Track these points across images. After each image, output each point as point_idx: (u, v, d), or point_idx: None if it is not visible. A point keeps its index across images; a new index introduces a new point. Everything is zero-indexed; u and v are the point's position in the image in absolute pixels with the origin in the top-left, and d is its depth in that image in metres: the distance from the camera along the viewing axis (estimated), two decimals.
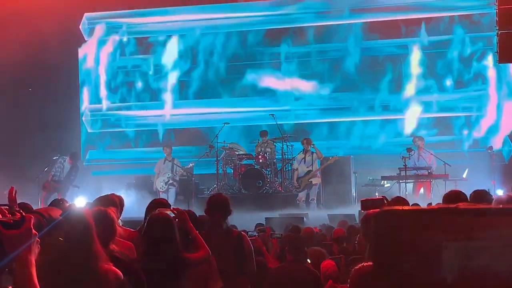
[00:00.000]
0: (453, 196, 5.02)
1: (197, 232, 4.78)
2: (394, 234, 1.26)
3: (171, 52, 18.31)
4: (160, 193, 15.58)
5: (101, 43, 18.83)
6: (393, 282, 1.25)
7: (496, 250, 1.23)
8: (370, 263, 2.87)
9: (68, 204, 4.49)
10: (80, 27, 18.81)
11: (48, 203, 7.09)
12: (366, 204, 4.33)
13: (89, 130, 18.82)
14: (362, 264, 3.32)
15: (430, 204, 8.08)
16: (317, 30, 17.57)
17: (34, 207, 4.92)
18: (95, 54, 18.79)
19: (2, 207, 1.98)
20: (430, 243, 1.23)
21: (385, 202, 4.31)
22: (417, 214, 1.30)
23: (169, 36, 18.41)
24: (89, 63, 18.89)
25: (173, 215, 4.66)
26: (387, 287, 1.26)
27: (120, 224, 5.18)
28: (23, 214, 1.95)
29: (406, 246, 1.24)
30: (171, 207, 5.20)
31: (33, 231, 1.92)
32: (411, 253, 1.24)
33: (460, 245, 1.23)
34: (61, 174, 15.65)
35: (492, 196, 5.58)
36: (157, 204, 5.24)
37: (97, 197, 5.34)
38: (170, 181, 15.92)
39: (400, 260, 1.24)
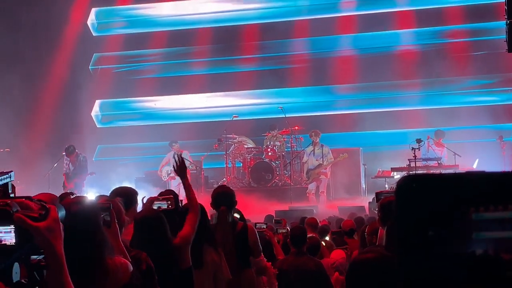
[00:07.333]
0: None
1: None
2: (418, 200, 1.17)
3: (180, 43, 18.27)
4: (162, 178, 15.84)
5: (109, 36, 18.85)
6: (417, 251, 1.17)
7: None
8: (369, 254, 2.78)
9: (74, 196, 4.44)
10: (88, 22, 18.82)
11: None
12: (380, 196, 4.35)
13: (98, 126, 18.83)
14: (361, 254, 3.19)
15: None
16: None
17: None
18: (103, 48, 18.79)
19: (25, 200, 1.89)
20: (457, 212, 1.15)
21: None
22: (444, 179, 1.20)
23: (179, 28, 18.37)
24: (97, 57, 18.90)
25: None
26: (409, 257, 1.18)
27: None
28: (46, 205, 1.87)
29: (431, 213, 1.16)
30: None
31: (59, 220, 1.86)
32: (436, 220, 1.16)
33: (492, 214, 1.14)
34: (67, 170, 15.62)
35: None
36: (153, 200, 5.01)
37: (113, 188, 5.23)
38: (172, 174, 15.80)
39: (424, 227, 1.16)
